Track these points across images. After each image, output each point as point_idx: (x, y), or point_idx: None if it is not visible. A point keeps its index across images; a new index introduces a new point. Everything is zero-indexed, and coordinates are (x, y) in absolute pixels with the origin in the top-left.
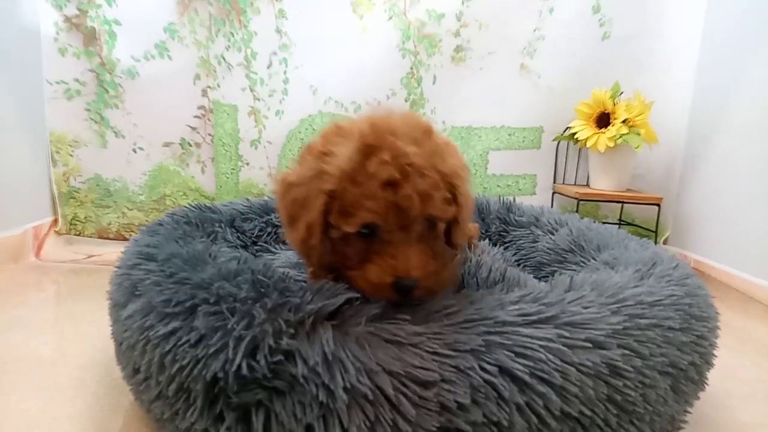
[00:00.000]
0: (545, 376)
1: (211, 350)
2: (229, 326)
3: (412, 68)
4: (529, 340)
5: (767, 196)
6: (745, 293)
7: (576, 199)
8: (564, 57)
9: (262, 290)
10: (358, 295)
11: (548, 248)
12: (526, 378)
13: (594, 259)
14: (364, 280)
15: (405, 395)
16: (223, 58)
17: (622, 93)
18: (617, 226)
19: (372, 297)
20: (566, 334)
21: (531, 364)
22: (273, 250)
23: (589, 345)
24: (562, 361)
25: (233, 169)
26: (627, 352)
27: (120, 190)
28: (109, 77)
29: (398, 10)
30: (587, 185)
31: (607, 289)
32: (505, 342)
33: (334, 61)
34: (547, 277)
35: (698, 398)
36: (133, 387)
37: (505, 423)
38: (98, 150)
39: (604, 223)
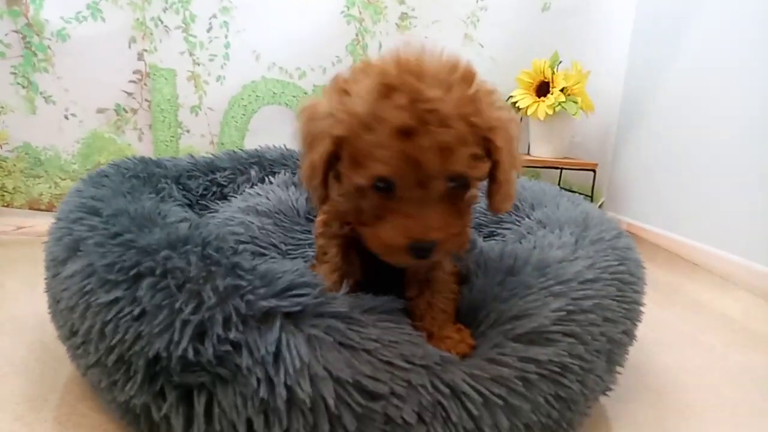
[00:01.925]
0: (496, 398)
1: (155, 329)
2: (177, 306)
3: (357, 35)
4: (483, 363)
5: (694, 161)
6: (673, 252)
7: None
8: (506, 27)
9: (212, 268)
10: (318, 283)
11: (485, 209)
12: (478, 401)
13: (528, 217)
14: (377, 239)
15: (348, 405)
16: (160, 21)
17: (560, 62)
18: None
19: (386, 259)
20: (514, 345)
21: (483, 388)
22: (216, 208)
23: (537, 345)
24: (514, 376)
25: (172, 136)
26: (572, 340)
27: (51, 159)
28: (38, 39)
29: None
30: (528, 153)
31: (548, 269)
32: (460, 364)
33: (278, 26)
34: (487, 237)
35: (627, 354)
36: (70, 349)
37: None
38: (27, 116)
39: None
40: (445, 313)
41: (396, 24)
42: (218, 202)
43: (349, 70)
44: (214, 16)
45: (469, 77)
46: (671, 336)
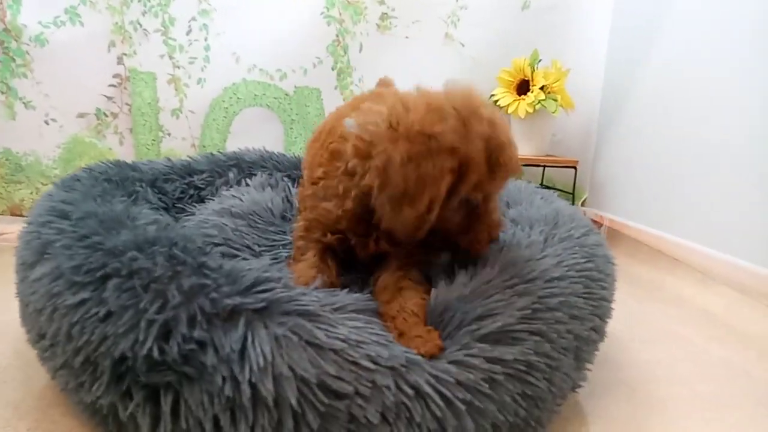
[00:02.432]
0: (460, 402)
1: (121, 329)
2: (141, 306)
3: (338, 36)
4: (449, 367)
5: (675, 157)
6: (655, 248)
7: None
8: (486, 26)
9: (179, 268)
10: (283, 277)
11: None
12: (441, 404)
13: (503, 216)
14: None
15: (311, 404)
16: (139, 24)
17: (540, 60)
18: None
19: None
20: (481, 346)
21: (447, 391)
22: (193, 210)
23: (503, 345)
24: (480, 378)
25: (153, 140)
26: (538, 339)
27: (32, 165)
28: (15, 44)
29: None
30: None
31: (513, 267)
32: (426, 366)
33: (258, 28)
34: None
35: (597, 350)
36: (39, 352)
37: None
38: (6, 122)
39: None
40: (417, 316)
41: (376, 24)
42: (195, 204)
43: (404, 116)
44: (194, 19)
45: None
46: (649, 331)
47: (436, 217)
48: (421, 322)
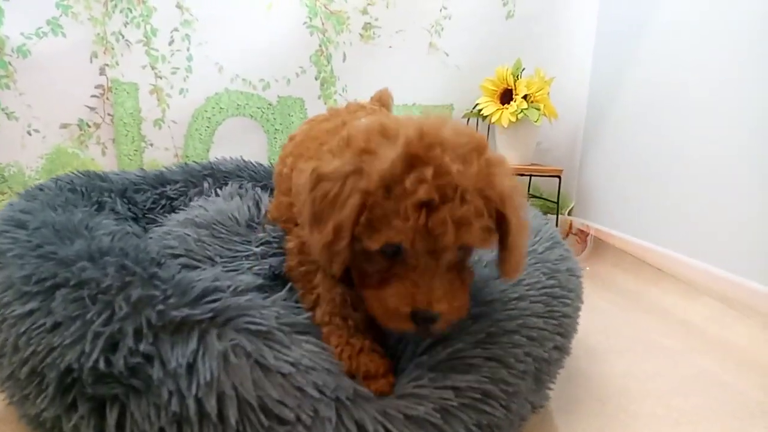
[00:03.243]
0: None
1: (67, 340)
2: (88, 317)
3: (320, 45)
4: (399, 402)
5: (660, 166)
6: (639, 258)
7: None
8: (470, 35)
9: (128, 279)
10: (233, 285)
11: None
12: None
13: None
14: (380, 303)
15: (253, 426)
16: (122, 35)
17: (523, 69)
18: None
19: (386, 325)
20: (432, 375)
21: (394, 429)
22: (163, 221)
23: (456, 372)
24: (432, 409)
25: (136, 150)
26: (494, 364)
27: (15, 176)
28: None
29: None
30: None
31: (472, 290)
32: (374, 403)
33: (240, 38)
34: None
35: (562, 368)
36: None
37: None
38: None
39: None
40: (375, 352)
41: (360, 34)
42: (167, 215)
43: (360, 131)
44: (176, 29)
45: (481, 147)
46: (626, 342)
47: (350, 256)
48: (377, 354)
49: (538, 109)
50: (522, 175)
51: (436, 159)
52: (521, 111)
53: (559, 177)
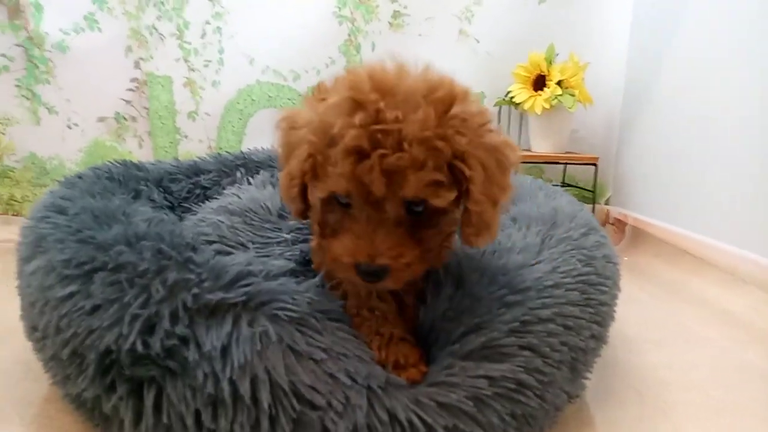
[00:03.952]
0: (441, 427)
1: (105, 323)
2: (126, 300)
3: (349, 35)
4: (430, 390)
5: (698, 153)
6: (679, 247)
7: None
8: (501, 21)
9: (164, 262)
10: (266, 270)
11: None
12: (421, 430)
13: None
14: (330, 254)
15: (285, 409)
16: (155, 29)
17: (557, 55)
18: (559, 187)
19: (338, 275)
20: (463, 364)
21: (428, 417)
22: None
23: (490, 361)
24: (464, 397)
25: (171, 142)
26: (528, 353)
27: (57, 168)
28: (39, 52)
29: None
30: (530, 150)
31: (503, 277)
32: (405, 391)
33: (271, 29)
34: None
35: (599, 356)
36: (34, 345)
37: None
38: (32, 127)
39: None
40: (405, 341)
41: (389, 23)
42: (201, 204)
43: (333, 78)
44: (207, 22)
45: (447, 99)
46: (665, 333)
47: (307, 202)
48: (407, 344)
49: (573, 95)
50: (556, 163)
51: (374, 105)
52: (555, 97)
53: (595, 165)
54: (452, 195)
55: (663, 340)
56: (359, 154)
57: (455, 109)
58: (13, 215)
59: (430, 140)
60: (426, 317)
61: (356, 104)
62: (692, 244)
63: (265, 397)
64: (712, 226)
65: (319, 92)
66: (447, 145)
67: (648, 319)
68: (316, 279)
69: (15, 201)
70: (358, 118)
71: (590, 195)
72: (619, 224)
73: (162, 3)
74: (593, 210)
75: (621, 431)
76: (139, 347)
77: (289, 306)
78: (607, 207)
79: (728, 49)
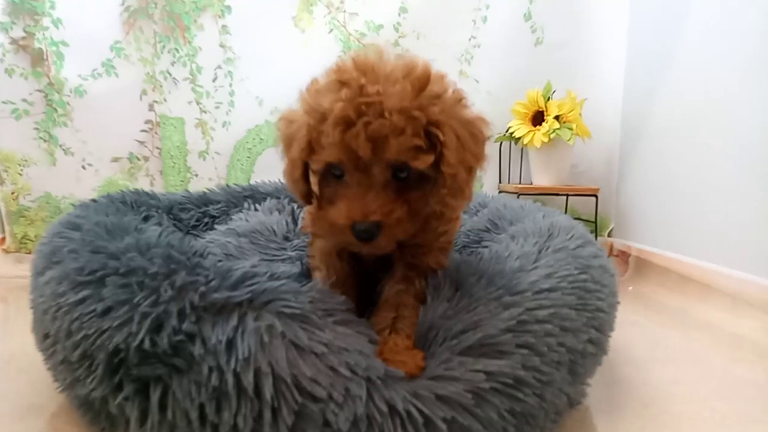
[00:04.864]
0: (441, 420)
1: (116, 323)
2: (135, 301)
3: None
4: (429, 383)
5: (698, 181)
6: (684, 275)
7: (516, 193)
8: (500, 62)
9: (173, 266)
10: (271, 272)
11: (468, 230)
12: (419, 423)
13: (505, 232)
14: (326, 221)
15: (287, 401)
16: (169, 74)
17: (554, 92)
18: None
19: (335, 242)
20: (461, 359)
21: (426, 409)
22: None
23: (488, 358)
24: (463, 390)
25: (182, 180)
26: (526, 351)
27: (70, 208)
28: (58, 96)
29: (338, 22)
30: (531, 184)
31: (501, 279)
32: (404, 383)
33: (279, 72)
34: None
35: (600, 365)
36: (44, 353)
37: None
38: (48, 168)
39: None
40: (409, 339)
41: None
42: (210, 232)
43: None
44: (219, 67)
45: (423, 78)
46: (672, 353)
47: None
48: (410, 346)
49: (571, 129)
50: (557, 194)
51: (357, 82)
52: (553, 131)
53: (596, 196)
54: (430, 158)
55: (669, 360)
56: (347, 124)
57: (431, 86)
58: (26, 254)
59: (407, 110)
60: (425, 317)
61: (342, 83)
62: (696, 271)
63: (267, 390)
64: (715, 252)
65: (309, 88)
66: (423, 114)
67: (654, 341)
68: (317, 280)
69: (29, 240)
70: (343, 93)
71: (592, 227)
72: (623, 255)
73: (176, 50)
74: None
75: None
76: (147, 345)
77: (292, 304)
78: (610, 239)
79: (720, 81)
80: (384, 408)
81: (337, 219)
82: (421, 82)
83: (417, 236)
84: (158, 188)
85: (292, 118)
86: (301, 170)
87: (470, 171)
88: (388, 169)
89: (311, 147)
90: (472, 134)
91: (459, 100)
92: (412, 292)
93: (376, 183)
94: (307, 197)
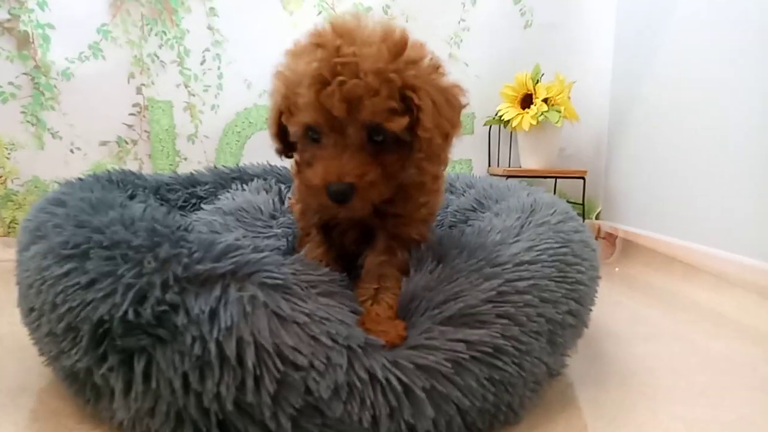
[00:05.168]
0: (420, 390)
1: (100, 294)
2: (119, 272)
3: None
4: (409, 352)
5: (682, 162)
6: (669, 255)
7: (505, 176)
8: (489, 46)
9: (157, 239)
10: (253, 245)
11: (455, 210)
12: (398, 389)
13: (490, 210)
14: (303, 182)
15: (269, 370)
16: (157, 56)
17: (543, 75)
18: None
19: (313, 203)
20: (442, 329)
21: (405, 377)
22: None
23: (468, 327)
24: (443, 359)
25: (171, 164)
26: (506, 321)
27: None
28: (45, 80)
29: (326, 5)
30: (520, 167)
31: (482, 252)
32: (384, 352)
33: (268, 55)
34: None
35: (580, 337)
36: (29, 327)
37: (367, 424)
38: (35, 152)
39: None
40: (391, 309)
41: None
42: (197, 213)
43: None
44: (207, 50)
45: (400, 43)
46: (653, 330)
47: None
48: (392, 316)
49: (559, 112)
50: (545, 177)
51: (333, 44)
52: (542, 114)
53: (584, 179)
54: (404, 121)
55: (650, 336)
56: (322, 83)
57: (408, 52)
58: (15, 238)
59: (383, 72)
60: (407, 288)
61: (318, 45)
62: (681, 252)
63: (250, 358)
64: (700, 232)
65: (291, 48)
66: (399, 77)
67: (637, 320)
68: (301, 253)
69: (17, 224)
70: (319, 53)
71: (580, 209)
72: (610, 238)
73: (164, 32)
74: None
75: (603, 411)
76: (131, 316)
77: (274, 275)
78: (598, 222)
79: (709, 65)
80: (364, 376)
81: (313, 180)
82: (398, 46)
83: (397, 206)
84: (147, 172)
85: (276, 74)
86: (276, 129)
87: (446, 137)
88: (363, 130)
89: (289, 110)
90: (448, 101)
91: (436, 67)
92: (394, 264)
93: (351, 145)
94: (281, 152)
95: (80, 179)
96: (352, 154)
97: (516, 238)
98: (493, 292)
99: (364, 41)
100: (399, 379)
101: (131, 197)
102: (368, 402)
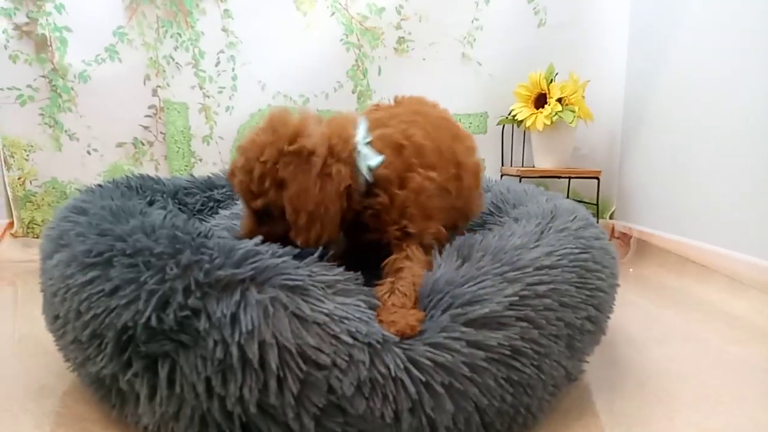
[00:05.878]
0: (438, 384)
1: (123, 301)
2: (142, 279)
3: (357, 61)
4: (426, 349)
5: (696, 162)
6: (683, 256)
7: (518, 176)
8: (502, 45)
9: (178, 246)
10: (272, 250)
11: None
12: (415, 386)
13: (508, 215)
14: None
15: (292, 371)
16: (172, 58)
17: (557, 74)
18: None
19: None
20: (464, 330)
21: (422, 374)
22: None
23: (488, 329)
24: (461, 361)
25: (186, 165)
26: (525, 324)
27: (76, 193)
28: (62, 82)
29: (340, 5)
30: (533, 167)
31: (504, 255)
32: (398, 350)
33: (281, 56)
34: None
35: (598, 344)
36: (54, 334)
37: (389, 419)
38: (53, 153)
39: None
40: (405, 296)
41: (394, 48)
42: (215, 217)
43: None
44: (222, 51)
45: (297, 131)
46: (668, 332)
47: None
48: (406, 304)
49: (573, 111)
50: (559, 177)
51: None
52: (556, 114)
53: (598, 179)
54: (261, 201)
55: (665, 339)
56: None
57: (304, 140)
58: (34, 238)
59: (260, 158)
60: (430, 278)
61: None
62: (696, 252)
63: (273, 360)
64: (715, 233)
65: None
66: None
67: (652, 322)
68: (314, 256)
69: (36, 224)
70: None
71: (594, 209)
72: (624, 238)
73: (179, 34)
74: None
75: (621, 418)
76: (154, 322)
77: (293, 278)
78: (612, 221)
79: (723, 63)
80: (385, 371)
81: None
82: (297, 134)
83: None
84: (163, 173)
85: None
86: None
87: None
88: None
89: None
90: (307, 191)
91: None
92: (407, 257)
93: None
94: None
95: (100, 186)
96: (247, 220)
97: (536, 243)
98: (516, 297)
99: (271, 129)
100: (416, 376)
101: (150, 203)
102: (390, 397)
